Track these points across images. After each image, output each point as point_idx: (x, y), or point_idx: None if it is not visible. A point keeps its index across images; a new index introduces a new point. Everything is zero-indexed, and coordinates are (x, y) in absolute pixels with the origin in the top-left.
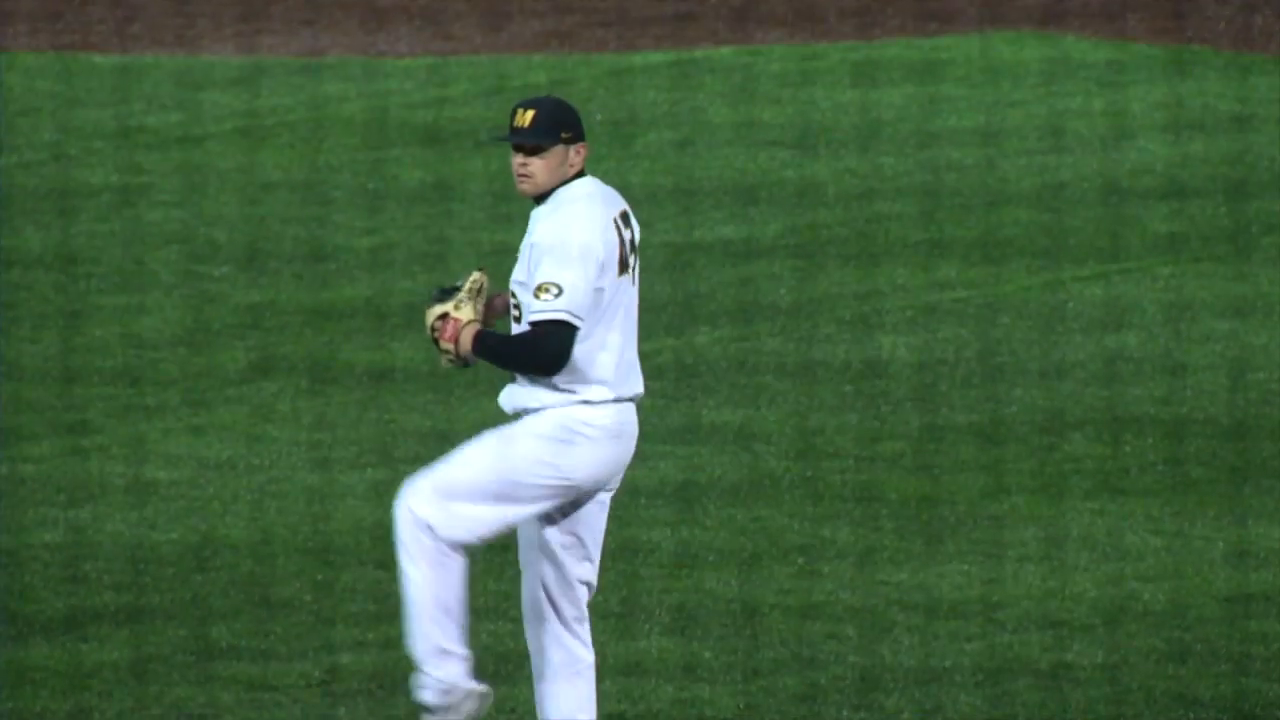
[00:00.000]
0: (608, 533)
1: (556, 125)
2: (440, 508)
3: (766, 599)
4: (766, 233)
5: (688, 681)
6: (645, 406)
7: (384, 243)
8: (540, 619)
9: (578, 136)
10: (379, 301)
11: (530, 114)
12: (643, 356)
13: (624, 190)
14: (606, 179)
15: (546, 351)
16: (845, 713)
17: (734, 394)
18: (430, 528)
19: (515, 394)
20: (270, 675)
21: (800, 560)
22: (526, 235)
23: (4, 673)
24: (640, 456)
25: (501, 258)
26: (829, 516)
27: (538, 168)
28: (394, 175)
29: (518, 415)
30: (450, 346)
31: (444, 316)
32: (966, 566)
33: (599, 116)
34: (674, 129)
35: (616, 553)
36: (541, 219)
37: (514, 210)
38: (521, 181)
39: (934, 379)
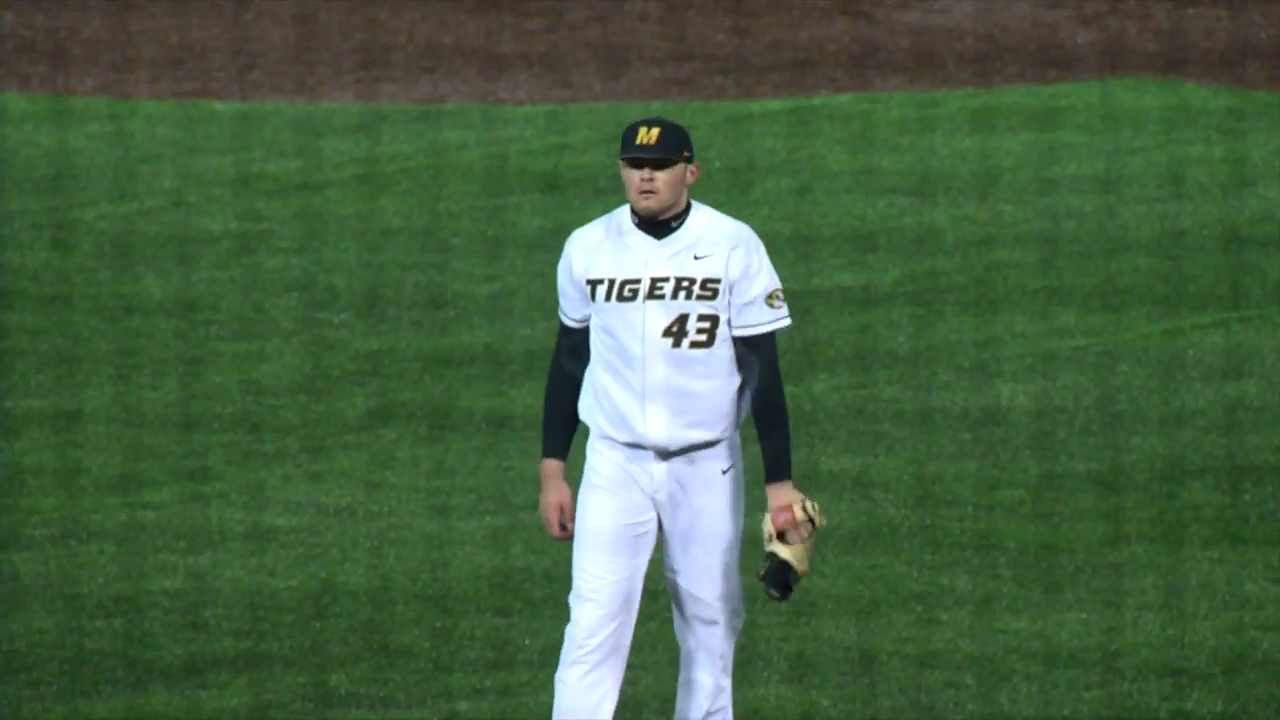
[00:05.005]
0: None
1: (680, 142)
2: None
3: (885, 647)
4: (885, 280)
5: None
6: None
7: (503, 289)
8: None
9: (694, 156)
10: (498, 348)
11: (656, 131)
12: None
13: None
14: None
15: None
16: None
17: (852, 441)
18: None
19: (689, 425)
20: None
21: (918, 608)
22: (687, 257)
23: None
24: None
25: None
26: (947, 564)
27: (663, 183)
28: (513, 222)
29: (688, 450)
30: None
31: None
32: (1085, 615)
33: (717, 164)
34: (792, 176)
35: None
36: (729, 240)
37: None
38: (646, 198)
39: (1053, 427)
